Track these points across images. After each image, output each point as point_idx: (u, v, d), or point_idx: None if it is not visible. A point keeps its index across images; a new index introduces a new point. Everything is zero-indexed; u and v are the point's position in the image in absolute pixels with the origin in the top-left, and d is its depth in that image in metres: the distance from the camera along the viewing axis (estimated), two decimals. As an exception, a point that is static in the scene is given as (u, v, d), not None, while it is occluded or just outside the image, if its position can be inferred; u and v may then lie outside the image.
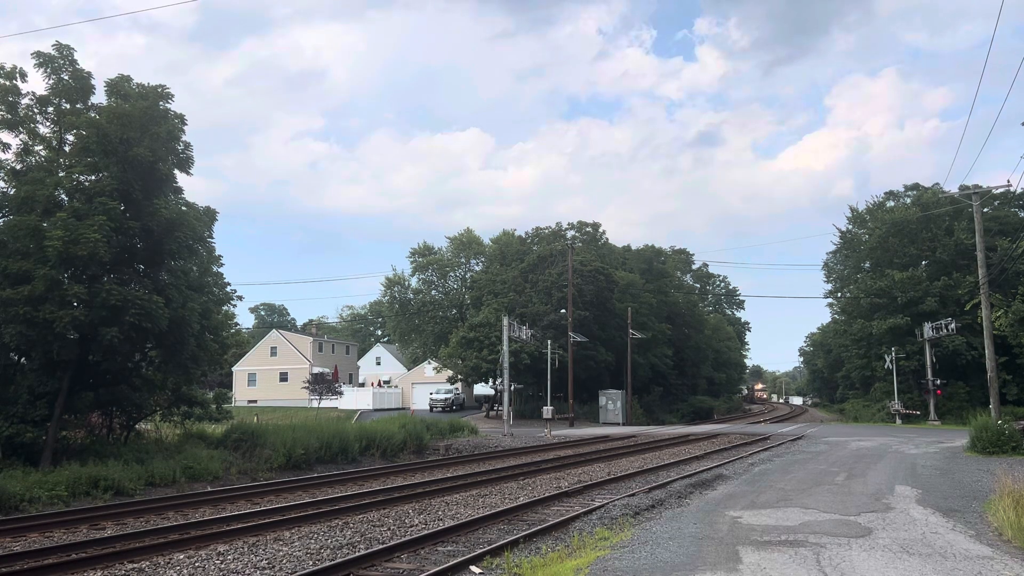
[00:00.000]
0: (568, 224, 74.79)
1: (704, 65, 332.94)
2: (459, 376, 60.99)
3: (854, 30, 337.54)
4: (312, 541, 12.57)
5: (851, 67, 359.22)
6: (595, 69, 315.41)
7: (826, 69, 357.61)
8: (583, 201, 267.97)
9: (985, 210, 43.92)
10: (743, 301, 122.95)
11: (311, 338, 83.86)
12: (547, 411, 44.62)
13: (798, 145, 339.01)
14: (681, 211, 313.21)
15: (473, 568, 10.12)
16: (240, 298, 28.97)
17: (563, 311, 57.13)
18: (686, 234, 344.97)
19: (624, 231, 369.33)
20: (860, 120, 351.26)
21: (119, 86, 23.36)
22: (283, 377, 78.14)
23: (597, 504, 14.91)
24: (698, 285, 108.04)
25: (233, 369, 77.63)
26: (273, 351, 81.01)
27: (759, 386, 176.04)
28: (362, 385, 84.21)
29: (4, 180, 22.96)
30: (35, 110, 23.12)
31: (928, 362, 50.95)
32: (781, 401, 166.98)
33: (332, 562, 10.57)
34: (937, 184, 60.61)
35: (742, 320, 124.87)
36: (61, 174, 22.72)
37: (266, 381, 79.02)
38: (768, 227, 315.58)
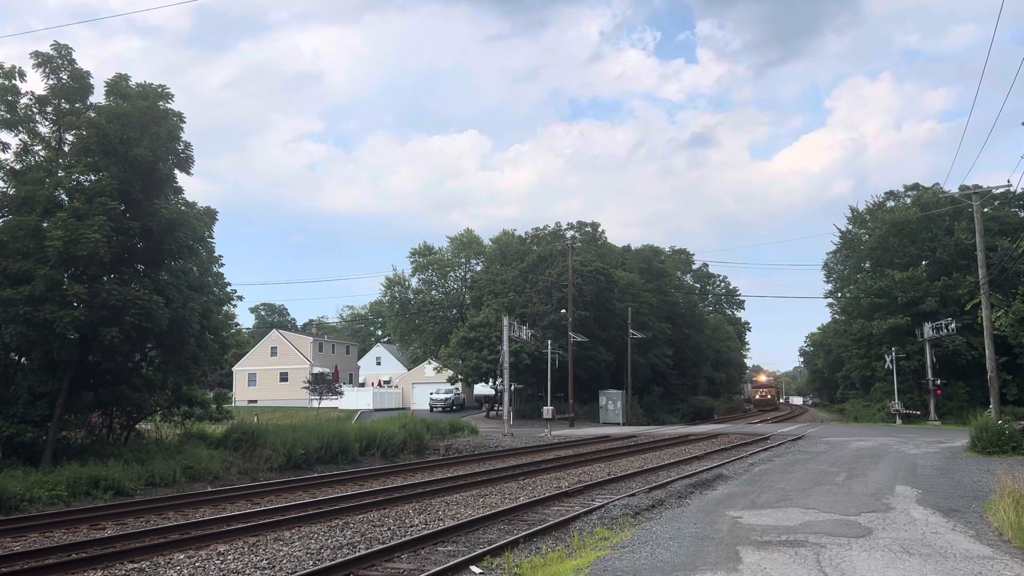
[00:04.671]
0: (568, 224, 74.86)
1: (704, 67, 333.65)
2: (459, 376, 60.97)
3: (846, 32, 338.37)
4: (312, 541, 12.56)
5: (847, 70, 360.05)
6: (596, 71, 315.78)
7: (821, 71, 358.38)
8: (580, 202, 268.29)
9: (985, 210, 43.89)
10: (743, 301, 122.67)
11: (311, 338, 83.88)
12: (547, 411, 44.62)
13: (794, 147, 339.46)
14: (677, 212, 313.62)
15: (473, 568, 10.12)
16: (240, 298, 29.01)
17: (563, 311, 57.11)
18: (683, 234, 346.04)
19: (622, 232, 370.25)
20: (857, 122, 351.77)
21: (118, 86, 23.32)
22: (283, 377, 78.15)
23: (597, 504, 14.91)
24: (698, 285, 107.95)
25: (233, 369, 77.64)
26: (273, 351, 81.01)
27: (761, 377, 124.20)
28: (362, 385, 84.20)
29: (4, 180, 22.95)
30: (34, 110, 23.09)
31: (928, 362, 50.92)
32: (781, 401, 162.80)
33: (332, 562, 10.57)
34: (937, 184, 60.56)
35: (742, 320, 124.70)
36: (61, 174, 22.72)
37: (266, 381, 79.02)
38: (764, 228, 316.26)
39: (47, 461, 20.85)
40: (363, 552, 11.25)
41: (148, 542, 12.48)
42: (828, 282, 73.76)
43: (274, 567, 10.80)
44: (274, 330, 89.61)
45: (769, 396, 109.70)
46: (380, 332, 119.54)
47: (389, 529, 13.61)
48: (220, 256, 27.00)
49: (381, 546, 11.70)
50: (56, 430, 21.81)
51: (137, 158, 22.16)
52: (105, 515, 15.63)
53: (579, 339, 54.31)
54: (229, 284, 27.65)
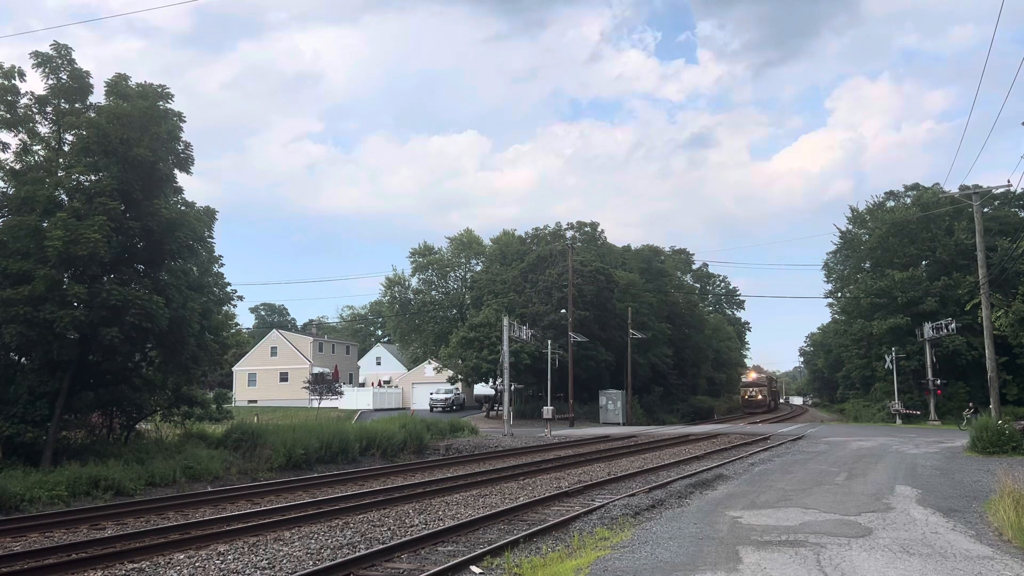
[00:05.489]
0: (568, 224, 74.91)
1: (704, 67, 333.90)
2: (459, 376, 60.96)
3: (845, 32, 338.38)
4: (312, 541, 12.56)
5: (846, 70, 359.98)
6: (595, 71, 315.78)
7: (820, 72, 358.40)
8: (580, 202, 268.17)
9: (985, 210, 43.94)
10: (743, 301, 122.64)
11: (311, 338, 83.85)
12: (547, 411, 44.62)
13: (793, 147, 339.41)
14: (677, 212, 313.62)
15: (473, 568, 10.12)
16: (240, 298, 29.06)
17: (563, 311, 57.11)
18: (683, 234, 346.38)
19: (621, 232, 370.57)
20: (856, 122, 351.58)
21: (118, 86, 23.33)
22: (283, 377, 78.14)
23: (597, 504, 14.91)
24: (698, 285, 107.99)
25: (233, 369, 77.66)
26: (273, 351, 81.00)
27: (751, 375, 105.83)
28: (362, 385, 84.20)
29: (4, 180, 22.96)
30: (34, 110, 23.09)
31: (928, 362, 50.94)
32: (781, 401, 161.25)
33: (332, 562, 10.57)
34: (937, 184, 60.61)
35: (742, 320, 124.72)
36: (61, 174, 22.71)
37: (266, 381, 79.01)
38: (763, 228, 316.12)
39: (47, 461, 20.86)
40: (363, 552, 11.25)
41: (148, 542, 12.48)
42: (828, 282, 73.90)
43: (274, 567, 10.80)
44: (274, 330, 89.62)
45: (760, 396, 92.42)
46: (380, 332, 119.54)
47: (389, 529, 13.61)
48: (220, 256, 27.09)
49: (381, 546, 11.70)
50: (56, 430, 21.81)
51: (137, 158, 22.16)
52: (105, 515, 15.63)
53: (579, 339, 54.31)
54: (229, 284, 27.74)
